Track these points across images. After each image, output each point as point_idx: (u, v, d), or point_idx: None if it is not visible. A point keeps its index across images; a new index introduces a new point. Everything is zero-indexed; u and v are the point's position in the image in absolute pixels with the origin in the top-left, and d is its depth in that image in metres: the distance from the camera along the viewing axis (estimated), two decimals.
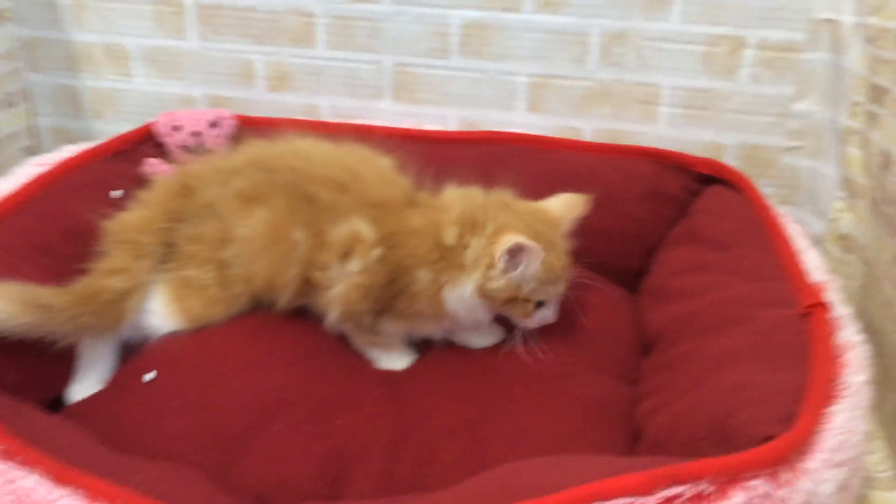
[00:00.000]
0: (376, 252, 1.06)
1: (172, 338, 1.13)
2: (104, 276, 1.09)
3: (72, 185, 1.30)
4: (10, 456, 0.80)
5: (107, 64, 1.71)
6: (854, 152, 1.38)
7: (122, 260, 1.12)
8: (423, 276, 1.06)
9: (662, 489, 0.71)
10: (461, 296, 1.05)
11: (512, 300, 1.05)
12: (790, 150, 1.52)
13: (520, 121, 1.60)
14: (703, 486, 0.70)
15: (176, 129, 1.48)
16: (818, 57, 1.45)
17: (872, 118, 1.31)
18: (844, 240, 1.42)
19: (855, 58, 1.36)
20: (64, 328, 1.01)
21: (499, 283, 1.03)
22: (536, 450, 0.96)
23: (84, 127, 1.78)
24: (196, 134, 1.48)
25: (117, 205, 1.25)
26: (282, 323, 1.14)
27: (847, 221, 1.43)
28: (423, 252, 1.06)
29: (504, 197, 1.12)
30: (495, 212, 1.07)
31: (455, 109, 1.62)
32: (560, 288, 1.09)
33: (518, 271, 1.02)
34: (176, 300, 1.14)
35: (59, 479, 0.79)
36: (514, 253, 1.01)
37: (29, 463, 0.80)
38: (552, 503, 0.72)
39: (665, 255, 1.36)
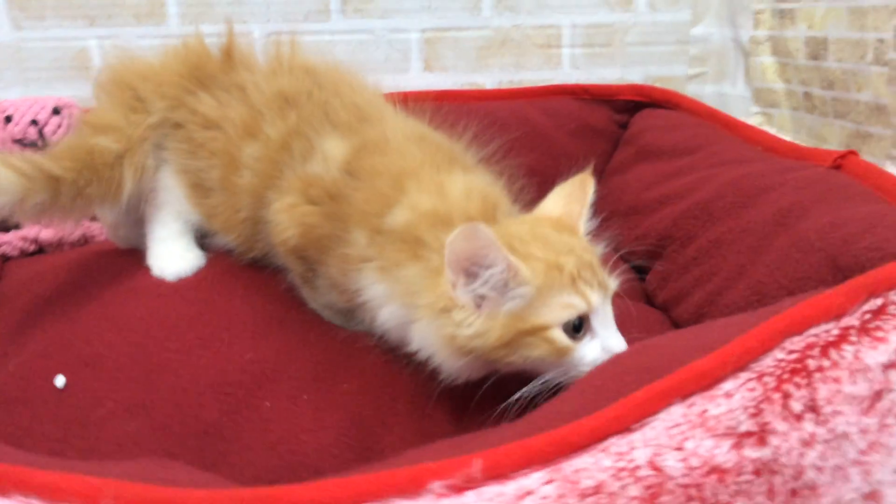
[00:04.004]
0: (335, 167, 0.84)
1: (75, 333, 0.83)
2: (93, 132, 0.92)
3: None
4: None
5: None
6: (766, 61, 1.37)
7: (114, 113, 0.93)
8: (359, 240, 0.79)
9: (862, 304, 0.56)
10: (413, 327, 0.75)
11: (517, 339, 0.70)
12: (694, 77, 1.49)
13: (416, 82, 1.44)
14: None
15: (7, 119, 1.17)
16: None
17: (785, 17, 1.30)
18: None
19: None
20: (74, 204, 0.89)
21: (467, 313, 0.70)
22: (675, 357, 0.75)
23: None
24: (36, 123, 1.17)
25: None
26: (229, 293, 0.89)
27: None
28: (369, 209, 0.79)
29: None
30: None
31: None
32: (594, 292, 0.71)
33: (483, 278, 0.69)
34: (193, 195, 0.95)
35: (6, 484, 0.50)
36: (465, 250, 0.68)
37: None
38: (739, 350, 0.54)
39: (614, 182, 1.25)
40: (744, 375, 0.54)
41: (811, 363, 0.54)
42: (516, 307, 0.70)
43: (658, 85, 1.48)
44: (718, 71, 1.48)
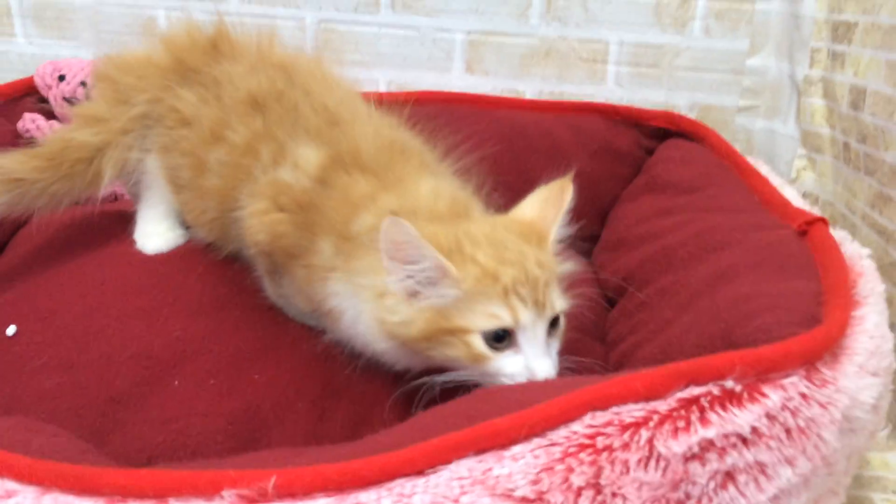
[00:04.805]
0: (306, 176, 0.85)
1: (44, 287, 0.92)
2: (77, 126, 0.97)
3: None
4: None
5: None
6: (816, 103, 1.29)
7: (100, 105, 0.98)
8: (326, 249, 0.81)
9: (678, 390, 0.55)
10: (353, 312, 0.78)
11: (437, 335, 0.73)
12: (745, 109, 1.43)
13: (456, 83, 1.46)
14: (730, 385, 0.55)
15: (61, 78, 1.28)
16: (773, 7, 1.37)
17: (837, 60, 1.23)
18: (807, 199, 1.32)
19: (812, 2, 1.28)
20: (38, 201, 0.94)
21: (397, 301, 0.73)
22: (503, 407, 0.78)
23: None
24: (85, 84, 1.28)
25: None
26: (188, 270, 0.95)
27: (809, 180, 1.33)
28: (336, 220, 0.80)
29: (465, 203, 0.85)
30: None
31: (385, 71, 1.47)
32: (526, 310, 0.72)
33: (408, 272, 0.72)
34: (170, 188, 0.99)
35: None
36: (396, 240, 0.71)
37: None
38: (537, 416, 0.55)
39: (622, 209, 1.22)
40: (536, 441, 0.54)
41: (600, 441, 0.53)
42: (442, 305, 0.72)
43: (704, 114, 1.43)
44: (771, 106, 1.40)
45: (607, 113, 1.33)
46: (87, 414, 0.77)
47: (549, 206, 0.82)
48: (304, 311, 0.90)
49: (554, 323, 0.75)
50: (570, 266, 0.81)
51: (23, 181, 0.91)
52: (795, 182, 1.34)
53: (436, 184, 0.85)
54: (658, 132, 1.31)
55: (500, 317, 0.71)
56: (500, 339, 0.72)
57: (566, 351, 0.79)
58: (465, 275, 0.71)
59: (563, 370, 0.76)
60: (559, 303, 0.75)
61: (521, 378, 0.72)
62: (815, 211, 0.94)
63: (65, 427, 0.74)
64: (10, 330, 0.85)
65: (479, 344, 0.71)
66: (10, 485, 0.56)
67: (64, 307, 0.88)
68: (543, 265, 0.74)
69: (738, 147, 1.39)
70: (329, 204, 0.82)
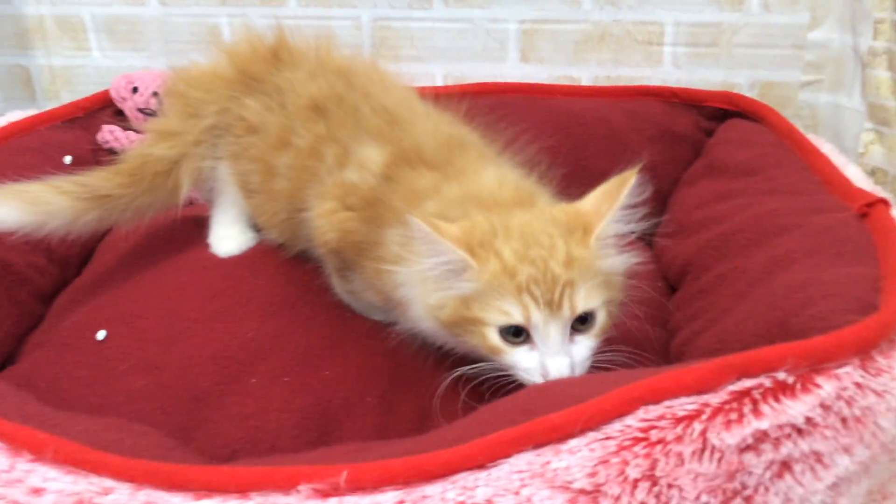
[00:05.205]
0: (372, 174, 0.89)
1: (128, 292, 0.98)
2: (153, 141, 1.02)
3: (15, 149, 1.16)
4: None
5: (61, 38, 1.57)
6: (881, 75, 1.26)
7: (172, 119, 1.03)
8: (393, 239, 0.84)
9: (729, 383, 0.56)
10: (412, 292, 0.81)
11: (461, 322, 0.76)
12: (808, 84, 1.40)
13: (512, 73, 1.47)
14: (782, 377, 0.56)
15: (134, 90, 1.34)
16: None
17: None
18: (875, 174, 1.29)
19: None
20: (124, 215, 1.00)
21: (434, 286, 0.77)
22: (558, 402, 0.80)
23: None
24: (158, 94, 1.34)
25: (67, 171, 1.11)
26: (260, 272, 1.00)
27: (877, 154, 1.30)
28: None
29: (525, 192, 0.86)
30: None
31: (442, 64, 1.49)
32: (538, 310, 0.73)
33: (431, 263, 0.76)
34: (241, 193, 1.04)
35: None
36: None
37: None
38: (591, 411, 0.57)
39: (682, 194, 1.22)
40: (591, 435, 0.56)
41: (654, 434, 0.55)
42: (465, 294, 0.75)
43: (766, 91, 1.41)
44: (835, 80, 1.37)
45: (664, 96, 1.32)
46: (173, 412, 0.83)
47: (604, 198, 0.79)
48: (374, 304, 0.93)
49: (584, 321, 0.75)
50: (625, 259, 0.80)
51: (109, 197, 0.96)
52: (864, 156, 1.31)
53: (499, 172, 0.87)
54: (717, 113, 1.30)
55: (511, 314, 0.73)
56: (518, 333, 0.74)
57: (621, 340, 0.80)
58: (484, 269, 0.73)
59: (596, 366, 0.76)
60: (583, 303, 0.73)
61: (537, 374, 0.74)
62: (884, 188, 0.93)
63: (153, 426, 0.79)
64: (101, 335, 0.91)
65: (493, 337, 0.74)
66: (107, 482, 0.61)
67: (147, 311, 0.94)
68: (573, 263, 0.73)
69: (802, 123, 1.38)
70: (395, 196, 0.86)
